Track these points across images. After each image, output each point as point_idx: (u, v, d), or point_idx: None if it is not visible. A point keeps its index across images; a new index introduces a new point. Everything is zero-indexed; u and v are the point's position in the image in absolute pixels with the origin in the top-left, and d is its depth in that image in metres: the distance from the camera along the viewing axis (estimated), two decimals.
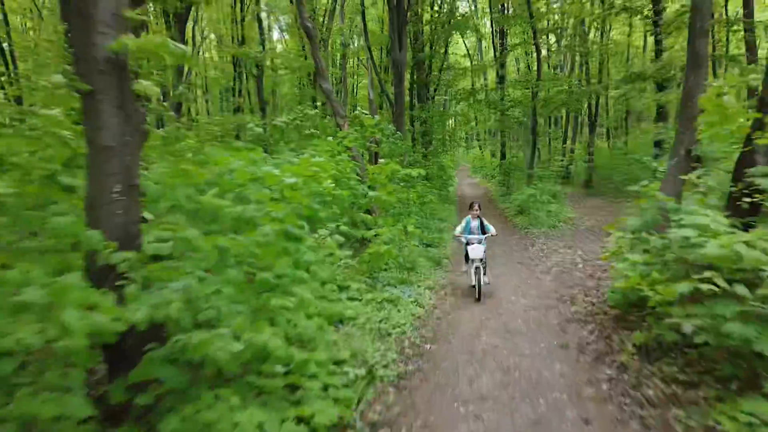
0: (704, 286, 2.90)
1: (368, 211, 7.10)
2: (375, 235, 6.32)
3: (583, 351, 4.10)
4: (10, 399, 1.99)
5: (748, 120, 4.62)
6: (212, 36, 22.55)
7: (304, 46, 18.26)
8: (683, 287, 3.07)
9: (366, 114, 8.02)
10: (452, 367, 3.91)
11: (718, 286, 2.86)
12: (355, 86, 27.98)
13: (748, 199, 4.08)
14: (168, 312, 2.07)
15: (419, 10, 16.45)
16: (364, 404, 3.16)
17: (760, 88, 4.81)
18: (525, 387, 3.50)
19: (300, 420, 2.59)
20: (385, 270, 6.39)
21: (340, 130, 7.78)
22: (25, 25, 16.86)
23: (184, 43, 12.88)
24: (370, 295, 5.21)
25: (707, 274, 2.99)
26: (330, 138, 7.26)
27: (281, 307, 2.86)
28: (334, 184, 5.31)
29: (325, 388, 3.01)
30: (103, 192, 2.66)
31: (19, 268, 2.11)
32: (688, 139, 5.48)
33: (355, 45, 23.34)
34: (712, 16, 10.37)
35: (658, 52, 13.20)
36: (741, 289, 2.82)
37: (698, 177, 4.64)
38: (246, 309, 2.59)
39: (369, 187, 6.94)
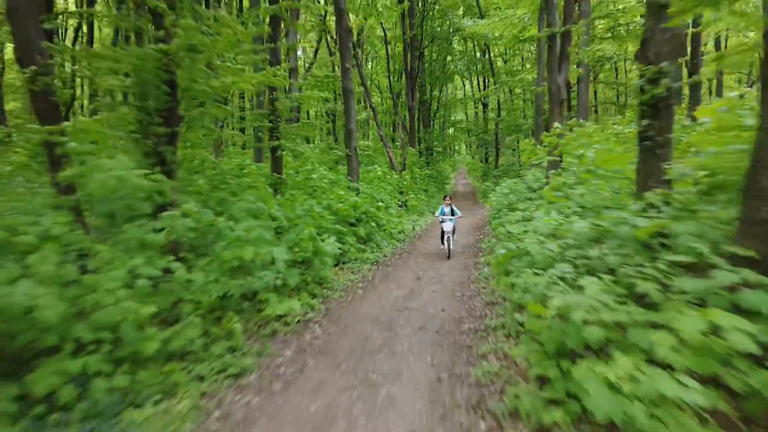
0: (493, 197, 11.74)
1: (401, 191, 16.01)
2: (406, 201, 15.29)
3: (477, 229, 12.95)
4: None
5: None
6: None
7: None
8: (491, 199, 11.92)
9: (391, 144, 17.00)
10: (436, 229, 12.79)
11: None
12: None
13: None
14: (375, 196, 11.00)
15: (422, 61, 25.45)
16: (412, 233, 12.11)
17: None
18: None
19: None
20: (412, 213, 15.29)
21: (388, 155, 16.68)
22: None
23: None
24: (408, 218, 14.12)
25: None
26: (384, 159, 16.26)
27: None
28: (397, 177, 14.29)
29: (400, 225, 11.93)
30: (353, 173, 11.65)
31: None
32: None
33: (370, 67, 31.83)
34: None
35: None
36: (511, 197, 11.65)
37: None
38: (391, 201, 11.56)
39: (402, 180, 15.88)
